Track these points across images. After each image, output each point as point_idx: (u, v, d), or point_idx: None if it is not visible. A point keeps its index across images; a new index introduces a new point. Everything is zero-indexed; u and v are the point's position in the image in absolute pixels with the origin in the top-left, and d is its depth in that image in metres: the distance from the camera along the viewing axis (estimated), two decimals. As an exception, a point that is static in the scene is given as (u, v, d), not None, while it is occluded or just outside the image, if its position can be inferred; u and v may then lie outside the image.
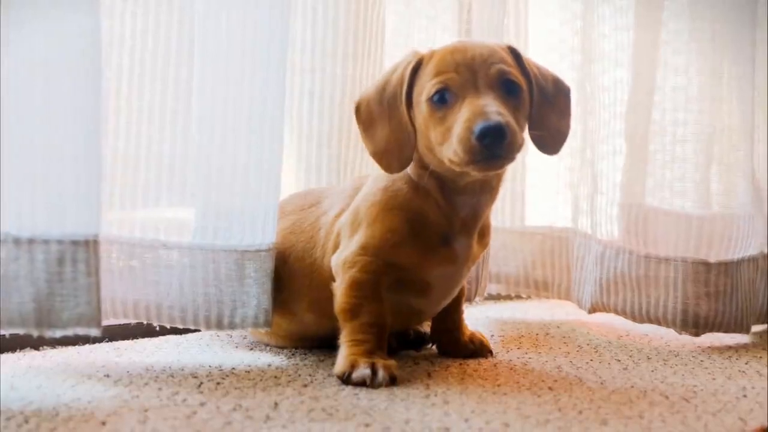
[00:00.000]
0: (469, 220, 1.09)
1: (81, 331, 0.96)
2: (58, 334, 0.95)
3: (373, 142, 1.08)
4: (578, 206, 1.49)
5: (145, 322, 1.14)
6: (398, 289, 1.09)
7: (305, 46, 1.33)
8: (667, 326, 1.37)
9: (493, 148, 0.96)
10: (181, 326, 1.13)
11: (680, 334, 1.37)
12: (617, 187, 1.43)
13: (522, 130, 1.03)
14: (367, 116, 1.08)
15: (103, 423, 0.84)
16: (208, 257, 1.11)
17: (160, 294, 1.11)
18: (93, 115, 0.97)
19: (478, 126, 0.96)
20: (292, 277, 1.15)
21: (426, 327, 1.27)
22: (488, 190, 1.09)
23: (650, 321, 1.38)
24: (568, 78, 1.51)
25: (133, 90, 1.13)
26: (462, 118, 0.98)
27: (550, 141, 1.10)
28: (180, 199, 1.15)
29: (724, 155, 1.43)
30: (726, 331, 1.37)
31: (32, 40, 0.94)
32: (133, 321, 1.13)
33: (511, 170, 1.55)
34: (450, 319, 1.21)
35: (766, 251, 1.45)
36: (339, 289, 1.08)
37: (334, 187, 1.23)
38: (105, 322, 1.22)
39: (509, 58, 1.06)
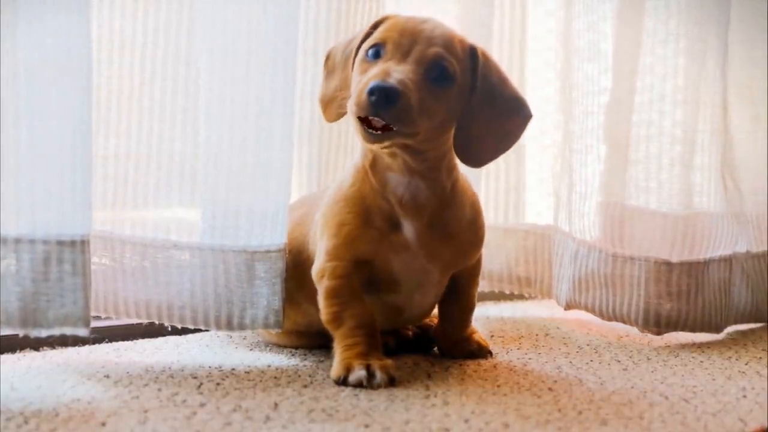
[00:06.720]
0: (409, 203, 1.07)
1: (68, 330, 0.96)
2: (44, 333, 0.95)
3: (325, 89, 1.12)
4: (559, 204, 1.49)
5: (146, 322, 1.14)
6: (370, 288, 1.10)
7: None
8: (631, 324, 1.38)
9: (377, 108, 0.96)
10: (192, 326, 1.14)
11: (642, 332, 1.38)
12: (593, 185, 1.43)
13: (431, 118, 1.01)
14: (331, 64, 1.12)
15: (103, 423, 0.84)
16: (218, 257, 1.11)
17: (172, 294, 1.11)
18: (82, 116, 0.97)
19: (372, 82, 0.97)
20: (294, 268, 1.15)
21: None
22: (418, 173, 1.06)
23: (616, 319, 1.38)
24: (559, 78, 1.53)
25: (144, 90, 1.13)
26: (368, 74, 1.00)
27: (471, 150, 1.07)
28: (190, 199, 1.15)
29: (697, 155, 1.42)
30: (692, 331, 1.37)
31: (17, 38, 0.93)
32: (145, 321, 1.14)
33: (503, 169, 1.57)
34: (454, 320, 1.20)
35: (754, 251, 1.45)
36: (320, 300, 1.09)
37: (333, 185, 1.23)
38: (109, 322, 1.23)
39: (459, 51, 1.04)
